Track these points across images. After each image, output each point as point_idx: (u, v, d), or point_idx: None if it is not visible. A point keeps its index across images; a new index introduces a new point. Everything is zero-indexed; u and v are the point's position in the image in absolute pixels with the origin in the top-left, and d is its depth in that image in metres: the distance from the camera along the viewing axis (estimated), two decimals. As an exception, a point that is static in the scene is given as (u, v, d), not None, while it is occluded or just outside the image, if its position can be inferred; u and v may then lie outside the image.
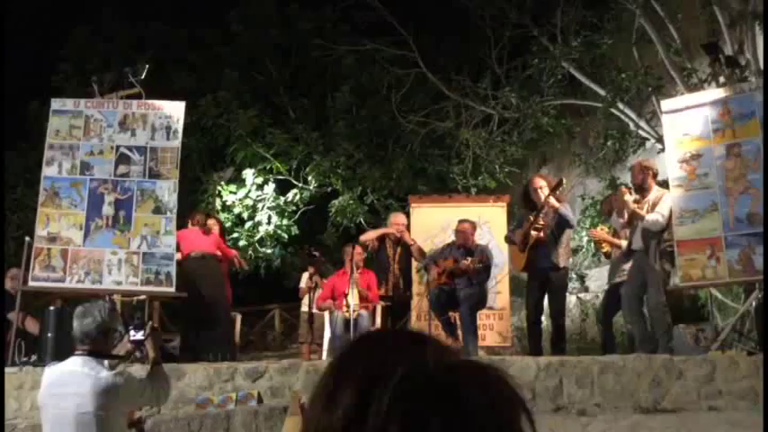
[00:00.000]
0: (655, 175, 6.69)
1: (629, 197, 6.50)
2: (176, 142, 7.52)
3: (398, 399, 0.70)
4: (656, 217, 6.37)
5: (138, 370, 4.15)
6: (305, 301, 9.08)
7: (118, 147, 7.43)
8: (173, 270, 7.20)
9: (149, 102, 7.62)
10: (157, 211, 7.33)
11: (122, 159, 7.41)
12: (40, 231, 7.17)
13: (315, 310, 8.77)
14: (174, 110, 7.64)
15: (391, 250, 8.21)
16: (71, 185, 7.33)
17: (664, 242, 6.52)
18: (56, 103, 7.64)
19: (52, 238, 7.15)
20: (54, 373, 3.40)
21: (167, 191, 7.37)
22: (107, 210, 7.29)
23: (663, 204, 6.46)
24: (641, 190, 6.59)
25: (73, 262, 7.11)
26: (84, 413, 3.22)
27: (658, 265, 6.36)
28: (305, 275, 9.10)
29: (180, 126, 7.58)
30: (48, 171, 7.35)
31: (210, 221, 8.22)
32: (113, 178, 7.35)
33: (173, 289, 7.21)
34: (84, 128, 7.44)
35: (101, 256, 7.17)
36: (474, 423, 0.70)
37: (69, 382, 3.28)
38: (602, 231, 7.52)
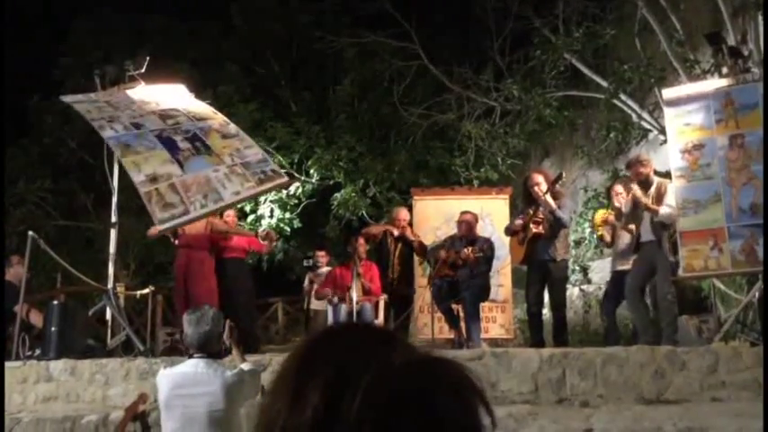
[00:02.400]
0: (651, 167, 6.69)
1: (639, 192, 6.47)
2: (204, 108, 7.62)
3: (370, 401, 0.69)
4: (669, 210, 6.38)
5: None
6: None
7: (153, 111, 7.44)
8: (275, 167, 7.30)
9: (152, 92, 7.72)
10: (225, 137, 7.35)
11: (165, 117, 7.40)
12: (138, 177, 6.85)
13: (313, 306, 8.91)
14: (176, 91, 7.77)
15: (392, 246, 8.19)
16: (137, 137, 7.14)
17: (673, 233, 6.52)
18: (67, 98, 7.55)
19: (153, 179, 6.86)
20: (176, 375, 3.63)
21: (221, 125, 7.44)
22: (183, 144, 7.18)
23: (670, 195, 6.45)
24: (646, 184, 6.57)
25: (186, 191, 6.87)
26: (216, 411, 3.51)
27: (669, 257, 6.37)
28: (307, 277, 9.31)
29: (191, 97, 7.72)
30: (105, 134, 7.11)
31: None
32: (169, 126, 7.30)
33: (285, 179, 7.39)
34: (110, 107, 7.39)
35: (207, 177, 7.00)
36: (440, 415, 0.70)
37: (197, 383, 3.54)
38: (608, 214, 7.47)
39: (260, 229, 9.09)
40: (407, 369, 0.73)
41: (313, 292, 8.72)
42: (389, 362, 0.73)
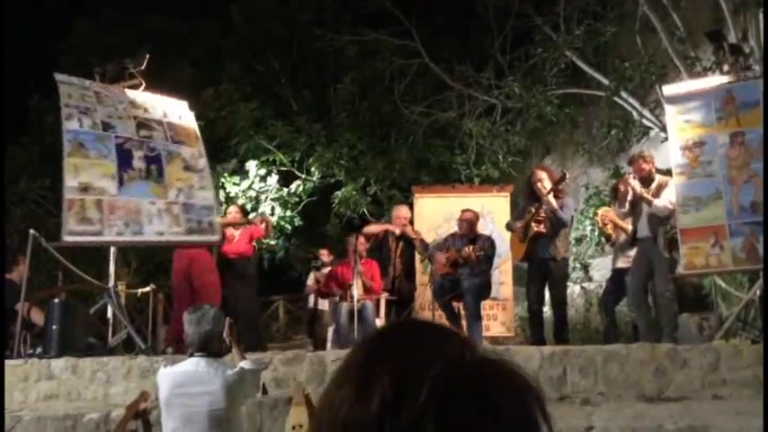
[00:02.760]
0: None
1: (636, 183, 6.46)
2: (192, 123, 7.58)
3: (435, 392, 0.69)
4: (664, 202, 6.36)
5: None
6: (311, 297, 9.27)
7: (135, 116, 7.35)
8: (214, 220, 7.13)
9: (153, 95, 7.69)
10: (187, 169, 7.25)
11: (142, 126, 7.30)
12: (70, 182, 6.70)
13: (320, 306, 8.95)
14: (178, 105, 7.74)
15: (393, 244, 8.18)
16: (96, 139, 6.98)
17: (670, 229, 6.50)
18: (60, 77, 7.43)
19: (84, 188, 6.68)
20: (177, 374, 3.63)
21: (192, 155, 7.35)
22: (138, 163, 7.01)
23: (669, 190, 6.44)
24: (648, 181, 6.56)
25: (110, 213, 6.68)
26: (217, 410, 3.51)
27: (666, 253, 6.35)
28: (311, 276, 9.34)
29: (190, 113, 7.64)
30: (69, 125, 6.96)
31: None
32: (138, 138, 7.16)
33: (217, 237, 7.13)
34: (95, 98, 7.30)
35: (138, 206, 6.81)
36: (505, 415, 0.71)
37: (198, 382, 3.55)
38: (611, 213, 7.47)
39: (255, 218, 9.08)
40: (475, 364, 0.74)
41: (314, 292, 8.79)
42: (457, 356, 0.74)
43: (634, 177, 6.57)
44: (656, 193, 6.42)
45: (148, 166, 7.08)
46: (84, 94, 7.26)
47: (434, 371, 0.71)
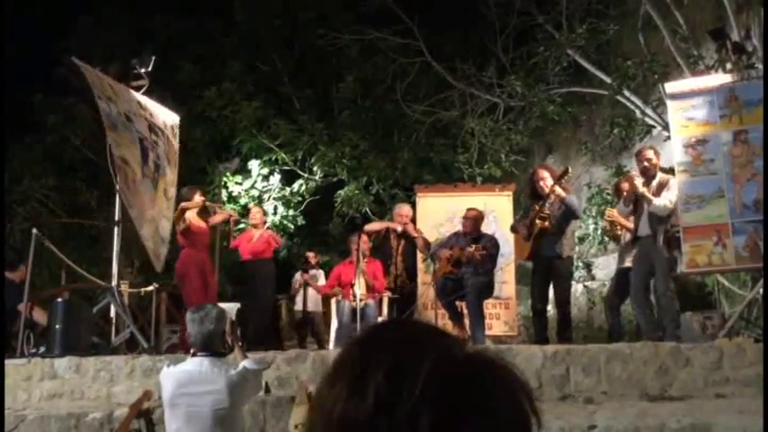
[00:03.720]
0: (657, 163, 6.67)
1: (639, 180, 6.46)
2: (176, 143, 7.54)
3: (430, 386, 0.70)
4: (663, 201, 6.34)
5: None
6: (300, 296, 9.25)
7: (145, 117, 7.42)
8: (162, 254, 7.25)
9: (150, 100, 7.69)
10: (165, 193, 7.36)
11: (152, 129, 7.38)
12: (116, 150, 6.86)
13: (309, 308, 8.99)
14: (171, 116, 7.71)
15: (395, 242, 8.18)
16: (125, 126, 7.09)
17: (671, 228, 6.48)
18: (79, 62, 7.40)
19: (125, 161, 6.86)
20: (180, 373, 3.64)
21: (171, 181, 7.39)
22: (151, 163, 7.19)
23: (671, 190, 6.42)
24: (650, 178, 6.55)
25: (135, 195, 6.96)
26: (221, 409, 3.53)
27: (666, 252, 6.34)
28: (296, 277, 9.37)
29: (177, 134, 7.64)
30: (102, 105, 7.00)
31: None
32: (151, 140, 7.27)
33: (157, 268, 7.22)
34: (112, 90, 7.32)
35: (146, 201, 7.09)
36: (497, 410, 0.72)
37: (202, 382, 3.56)
38: (615, 213, 7.46)
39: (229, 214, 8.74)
40: (467, 359, 0.75)
41: (299, 294, 8.91)
42: (450, 352, 0.75)
43: (637, 176, 6.57)
44: (657, 192, 6.41)
45: (155, 171, 7.15)
46: (103, 83, 7.28)
47: (428, 366, 0.71)
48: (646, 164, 6.50)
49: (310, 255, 9.95)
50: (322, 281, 9.34)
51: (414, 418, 0.69)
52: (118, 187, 6.82)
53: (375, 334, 0.81)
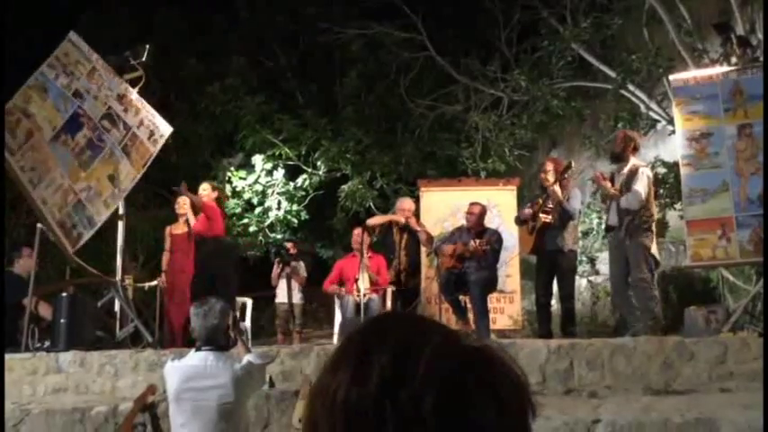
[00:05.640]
0: (635, 148, 6.62)
1: (607, 183, 6.50)
2: (153, 148, 7.38)
3: (435, 368, 0.71)
4: (631, 198, 6.29)
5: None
6: (281, 288, 9.17)
7: (110, 107, 7.34)
8: (86, 236, 7.03)
9: (147, 104, 7.58)
10: (111, 180, 7.18)
11: (109, 118, 7.29)
12: (19, 102, 6.95)
13: (295, 301, 8.96)
14: (163, 126, 7.55)
15: (398, 236, 8.17)
16: (60, 95, 7.15)
17: (642, 218, 6.37)
18: (73, 36, 7.49)
19: (26, 114, 6.91)
20: (185, 368, 3.64)
21: (127, 174, 7.25)
22: (80, 138, 7.08)
23: (639, 181, 6.35)
24: (619, 160, 6.56)
25: (32, 150, 6.84)
26: (227, 403, 3.53)
27: (635, 242, 6.27)
28: (275, 267, 9.29)
29: (161, 141, 7.47)
30: (46, 70, 7.18)
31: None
32: (96, 123, 7.20)
33: (70, 250, 6.95)
34: (87, 72, 7.34)
35: (51, 166, 6.90)
36: (500, 394, 0.73)
37: (207, 376, 3.56)
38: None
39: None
40: (469, 346, 0.76)
41: (279, 282, 8.99)
42: (452, 339, 0.76)
43: (604, 178, 6.61)
44: (628, 180, 6.36)
45: (85, 148, 7.06)
46: (80, 62, 7.33)
47: (432, 350, 0.73)
48: (621, 149, 6.53)
49: (289, 245, 9.79)
50: (303, 272, 9.32)
51: (418, 401, 0.69)
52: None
53: (378, 323, 0.82)
